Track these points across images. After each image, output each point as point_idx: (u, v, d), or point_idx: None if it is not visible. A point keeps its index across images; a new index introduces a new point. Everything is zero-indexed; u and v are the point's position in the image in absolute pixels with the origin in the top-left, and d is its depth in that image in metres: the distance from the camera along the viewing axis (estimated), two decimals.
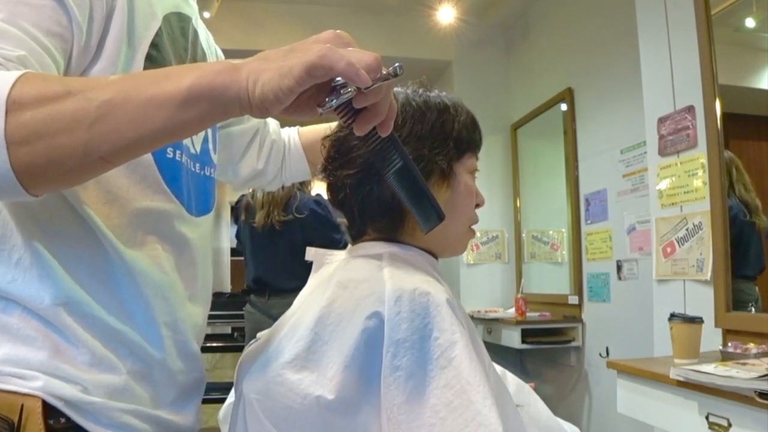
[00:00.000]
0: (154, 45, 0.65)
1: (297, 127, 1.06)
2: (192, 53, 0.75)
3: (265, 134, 1.01)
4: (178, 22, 0.72)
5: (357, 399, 0.60)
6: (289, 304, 0.74)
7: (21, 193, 0.47)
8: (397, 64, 0.49)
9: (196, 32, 0.77)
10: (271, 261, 2.54)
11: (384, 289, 0.63)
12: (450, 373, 0.58)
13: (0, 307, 0.58)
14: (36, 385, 0.56)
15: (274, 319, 2.90)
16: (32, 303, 0.57)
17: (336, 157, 0.75)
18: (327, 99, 0.50)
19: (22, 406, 0.55)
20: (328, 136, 0.77)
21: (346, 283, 0.67)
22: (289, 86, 0.45)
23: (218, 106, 0.47)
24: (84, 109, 0.46)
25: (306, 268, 0.83)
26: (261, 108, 0.47)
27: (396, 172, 0.56)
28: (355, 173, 0.73)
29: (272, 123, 1.03)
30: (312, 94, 0.49)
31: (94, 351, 0.59)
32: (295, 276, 2.54)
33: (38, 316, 0.58)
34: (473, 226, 0.82)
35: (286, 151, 1.04)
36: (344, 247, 0.81)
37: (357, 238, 0.78)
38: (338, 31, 0.51)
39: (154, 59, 0.65)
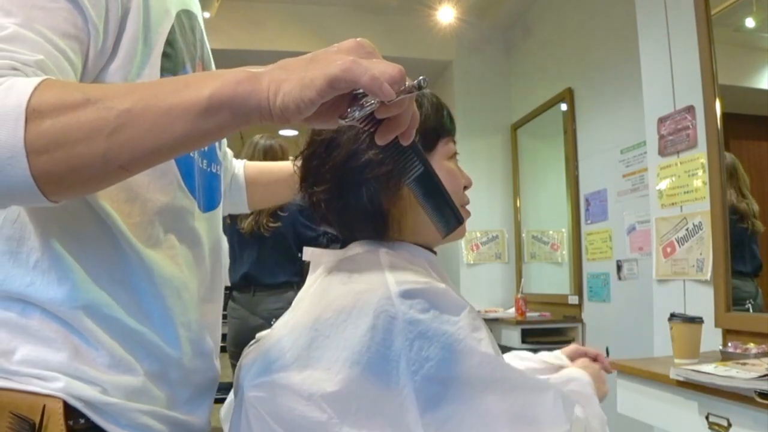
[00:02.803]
0: (169, 42, 0.66)
1: (244, 160, 1.06)
2: (201, 50, 0.75)
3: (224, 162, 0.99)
4: (188, 20, 0.73)
5: (364, 395, 0.59)
6: (275, 300, 0.73)
7: (41, 200, 0.47)
8: (421, 77, 0.48)
9: (202, 30, 0.77)
10: (260, 259, 2.54)
11: (385, 281, 0.63)
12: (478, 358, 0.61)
13: (19, 309, 0.58)
14: (57, 386, 0.56)
15: (259, 315, 2.86)
16: (51, 306, 0.57)
17: (307, 176, 0.75)
18: (349, 110, 0.50)
19: (44, 407, 0.55)
20: (297, 157, 0.76)
21: (343, 278, 0.67)
22: (311, 98, 0.45)
23: (239, 115, 0.47)
24: (103, 119, 0.46)
25: (294, 263, 0.83)
26: (282, 118, 0.47)
27: (417, 178, 0.56)
28: (327, 188, 0.72)
29: (229, 152, 1.02)
30: (333, 103, 0.49)
31: (113, 353, 0.60)
32: (284, 271, 2.53)
33: (58, 319, 0.58)
34: (468, 209, 0.81)
35: (231, 181, 1.03)
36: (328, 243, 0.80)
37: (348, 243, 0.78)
38: (360, 39, 0.50)
39: (169, 56, 0.65)
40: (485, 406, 0.59)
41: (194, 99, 0.46)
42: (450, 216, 0.59)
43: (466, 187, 0.80)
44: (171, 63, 0.66)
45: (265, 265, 2.52)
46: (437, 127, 0.76)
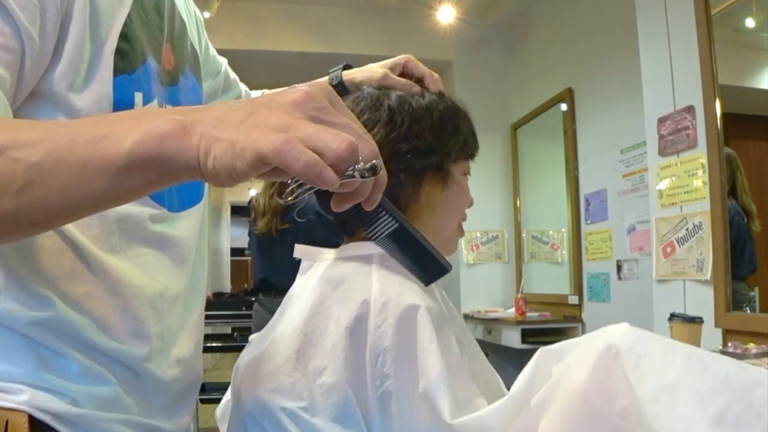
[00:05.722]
0: (124, 36, 0.60)
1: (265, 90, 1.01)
2: (169, 29, 0.70)
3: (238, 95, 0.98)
4: (151, 0, 0.67)
5: (345, 404, 0.60)
6: None
7: None
8: (375, 161, 0.40)
9: (173, 4, 0.72)
10: (275, 263, 2.55)
11: (371, 292, 0.64)
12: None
13: None
14: (21, 399, 0.53)
15: None
16: (10, 322, 0.54)
17: None
18: (290, 182, 0.42)
19: (7, 422, 0.52)
20: None
21: (335, 284, 0.67)
22: (242, 169, 0.39)
23: (166, 174, 0.41)
24: (10, 172, 0.40)
25: None
26: (215, 182, 0.41)
27: (389, 234, 0.50)
28: None
29: (242, 86, 1.00)
30: None
31: (82, 362, 0.57)
32: None
33: (18, 332, 0.54)
34: (462, 228, 0.84)
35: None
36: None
37: (347, 238, 0.78)
38: (313, 89, 0.42)
39: (124, 54, 0.60)
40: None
41: (113, 154, 0.40)
42: (434, 266, 0.54)
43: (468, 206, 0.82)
44: (126, 61, 0.60)
45: (282, 273, 2.52)
46: (471, 147, 0.81)
